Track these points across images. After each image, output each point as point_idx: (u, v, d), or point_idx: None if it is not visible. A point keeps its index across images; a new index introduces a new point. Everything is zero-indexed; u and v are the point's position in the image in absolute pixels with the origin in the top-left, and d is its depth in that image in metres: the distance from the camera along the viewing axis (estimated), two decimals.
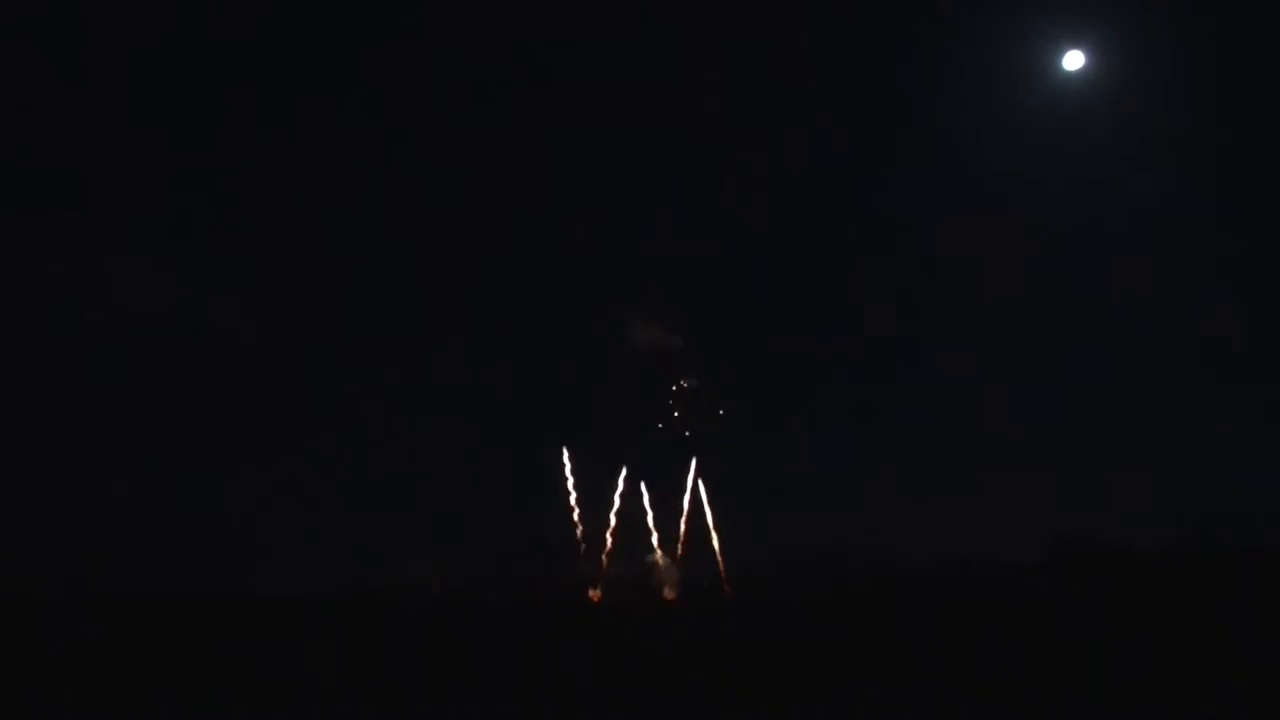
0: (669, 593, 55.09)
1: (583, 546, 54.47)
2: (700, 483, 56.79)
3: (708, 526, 56.62)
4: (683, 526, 56.29)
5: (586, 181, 62.43)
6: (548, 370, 59.43)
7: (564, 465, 55.13)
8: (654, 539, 55.62)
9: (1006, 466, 57.06)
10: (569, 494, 54.87)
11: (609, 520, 55.12)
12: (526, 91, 60.76)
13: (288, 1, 58.86)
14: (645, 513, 55.64)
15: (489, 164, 59.83)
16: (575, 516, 54.70)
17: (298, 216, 60.10)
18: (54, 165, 54.34)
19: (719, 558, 56.19)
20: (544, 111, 60.99)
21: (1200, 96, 55.25)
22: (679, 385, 58.38)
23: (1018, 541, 51.88)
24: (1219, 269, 58.63)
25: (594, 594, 54.49)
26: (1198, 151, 56.44)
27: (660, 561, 55.44)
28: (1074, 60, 50.85)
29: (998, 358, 63.23)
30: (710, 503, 56.73)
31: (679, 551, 55.98)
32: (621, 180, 62.22)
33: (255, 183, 59.16)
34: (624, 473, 55.45)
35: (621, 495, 55.37)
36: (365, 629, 37.95)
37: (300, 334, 59.11)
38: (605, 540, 55.03)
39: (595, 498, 55.51)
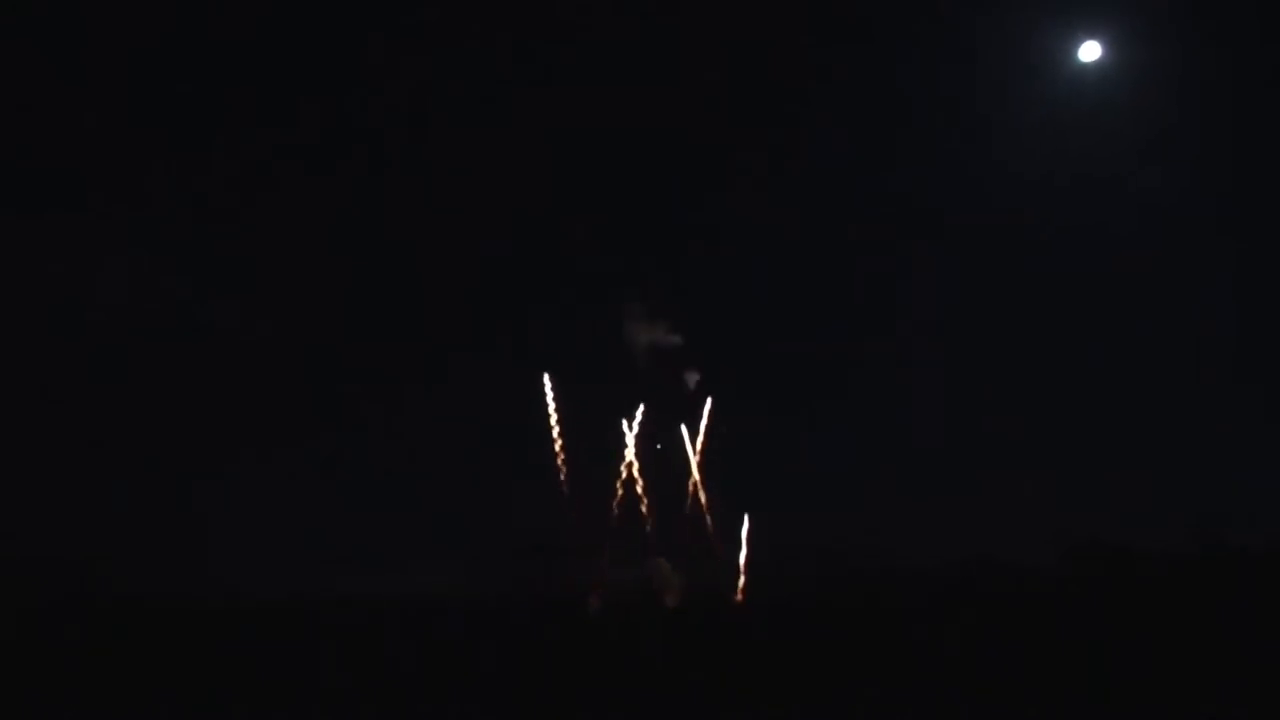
0: (670, 597, 54.99)
1: (566, 490, 53.71)
2: (700, 487, 56.74)
3: (708, 529, 56.57)
4: (684, 530, 56.24)
5: (586, 181, 62.48)
6: (547, 369, 59.29)
7: (545, 394, 54.30)
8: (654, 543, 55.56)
9: (1007, 466, 57.00)
10: (550, 418, 54.04)
11: (611, 509, 54.82)
12: (526, 91, 60.84)
13: (288, 1, 58.91)
14: (644, 518, 55.53)
15: (489, 164, 59.88)
16: (557, 448, 53.86)
17: (298, 216, 60.13)
18: (54, 165, 54.39)
19: (717, 560, 56.13)
20: (544, 111, 61.06)
21: (1219, 91, 54.43)
22: (682, 386, 58.24)
23: (1018, 542, 51.89)
24: (1221, 268, 58.57)
25: (594, 600, 54.39)
26: (1210, 149, 55.99)
27: (661, 566, 55.33)
28: (1090, 51, 48.86)
29: (998, 358, 63.15)
30: (710, 506, 56.68)
31: (681, 547, 55.88)
32: (621, 180, 62.28)
33: (256, 183, 59.21)
34: (636, 421, 54.79)
35: (631, 446, 54.85)
36: (365, 630, 37.94)
37: (300, 334, 59.12)
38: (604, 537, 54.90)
39: (591, 476, 54.91)
